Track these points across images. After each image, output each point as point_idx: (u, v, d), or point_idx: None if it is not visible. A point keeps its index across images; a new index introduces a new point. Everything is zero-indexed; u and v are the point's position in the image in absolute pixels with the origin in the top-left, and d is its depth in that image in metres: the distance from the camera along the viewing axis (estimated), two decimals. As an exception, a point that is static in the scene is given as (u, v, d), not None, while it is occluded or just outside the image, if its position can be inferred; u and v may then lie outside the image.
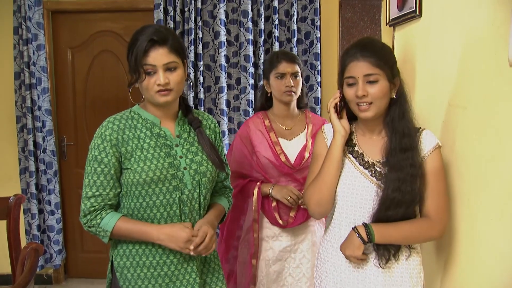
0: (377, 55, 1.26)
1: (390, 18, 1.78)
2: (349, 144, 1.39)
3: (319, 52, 2.86)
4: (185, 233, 1.32)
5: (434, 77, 1.47)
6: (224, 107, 2.87)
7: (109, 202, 1.33)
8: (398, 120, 1.29)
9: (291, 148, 2.02)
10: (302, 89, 2.09)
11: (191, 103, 2.82)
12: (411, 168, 1.26)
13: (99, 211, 1.32)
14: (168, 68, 1.35)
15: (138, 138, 1.37)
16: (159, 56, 1.33)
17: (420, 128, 1.33)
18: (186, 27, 2.82)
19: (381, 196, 1.27)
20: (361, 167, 1.34)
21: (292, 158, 2.00)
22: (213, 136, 1.55)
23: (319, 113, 2.89)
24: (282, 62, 1.99)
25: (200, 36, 2.81)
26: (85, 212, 1.32)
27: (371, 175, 1.32)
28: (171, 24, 2.83)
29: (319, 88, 2.89)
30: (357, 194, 1.33)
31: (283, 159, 1.98)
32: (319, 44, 2.85)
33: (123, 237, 1.36)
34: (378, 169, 1.32)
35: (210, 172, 1.44)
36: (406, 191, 1.25)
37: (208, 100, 2.94)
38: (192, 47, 2.80)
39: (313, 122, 2.10)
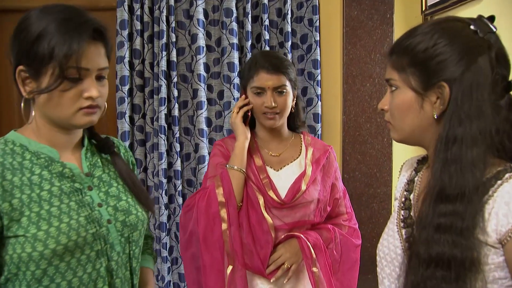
0: None
1: (428, 5, 1.29)
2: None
3: (319, 59, 2.40)
4: None
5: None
6: (204, 126, 2.38)
7: None
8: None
9: (279, 179, 1.52)
10: (297, 104, 1.58)
11: (163, 122, 2.32)
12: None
13: None
14: (100, 76, 0.99)
15: (30, 184, 0.90)
16: (95, 57, 0.96)
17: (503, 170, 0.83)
18: (156, 29, 2.34)
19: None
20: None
21: (282, 192, 1.49)
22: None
23: (319, 132, 2.40)
24: (261, 72, 1.48)
25: (174, 40, 2.34)
26: None
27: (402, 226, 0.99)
28: (138, 25, 2.33)
29: (319, 102, 2.41)
30: (387, 250, 1.01)
31: (269, 190, 1.47)
32: (318, 49, 2.39)
33: None
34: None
35: (142, 222, 1.08)
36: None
37: (184, 118, 2.44)
38: (164, 53, 2.31)
39: (314, 146, 1.60)
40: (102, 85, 0.98)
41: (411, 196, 1.02)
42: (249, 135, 1.54)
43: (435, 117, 0.88)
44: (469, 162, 0.81)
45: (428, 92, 0.88)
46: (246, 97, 1.55)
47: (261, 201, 1.47)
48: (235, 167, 1.47)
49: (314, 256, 1.48)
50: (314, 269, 1.48)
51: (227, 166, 1.49)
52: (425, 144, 0.95)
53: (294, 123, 1.65)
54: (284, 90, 1.50)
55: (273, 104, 1.47)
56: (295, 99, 1.59)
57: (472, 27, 0.86)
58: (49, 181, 0.94)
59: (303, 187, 1.50)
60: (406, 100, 0.91)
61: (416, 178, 1.04)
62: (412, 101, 0.91)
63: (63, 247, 0.88)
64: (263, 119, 1.53)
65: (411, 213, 0.99)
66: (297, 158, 1.59)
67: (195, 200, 1.51)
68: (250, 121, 1.58)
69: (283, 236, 1.50)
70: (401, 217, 1.00)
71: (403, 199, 1.04)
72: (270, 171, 1.55)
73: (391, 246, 1.00)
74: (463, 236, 0.80)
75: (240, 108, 1.55)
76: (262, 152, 1.57)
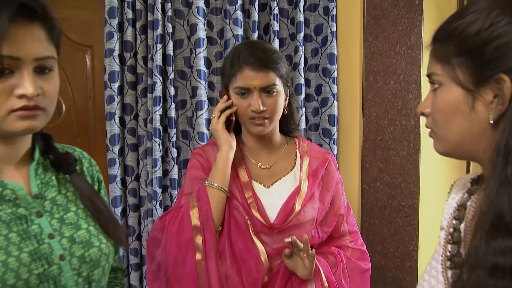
0: None
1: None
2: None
3: (335, 53, 2.16)
4: None
5: None
6: (204, 129, 2.14)
7: None
8: None
9: (270, 198, 1.29)
10: (290, 103, 1.36)
11: (157, 124, 2.07)
12: None
13: None
14: (41, 68, 0.78)
15: None
16: (29, 43, 0.75)
17: None
18: (150, 18, 2.10)
19: None
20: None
21: (273, 213, 1.26)
22: (95, 187, 1.00)
23: (335, 137, 2.15)
24: (245, 69, 1.24)
25: (170, 31, 2.10)
26: None
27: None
28: (129, 14, 2.10)
29: (335, 102, 2.16)
30: None
31: (255, 212, 1.24)
32: (335, 41, 2.15)
33: None
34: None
35: (106, 256, 0.89)
36: None
37: (182, 119, 2.21)
38: (159, 46, 2.07)
39: (311, 155, 1.37)
40: (46, 79, 0.78)
41: (461, 226, 0.81)
42: (234, 145, 1.32)
43: (491, 121, 0.71)
44: None
45: (481, 89, 0.72)
46: (229, 98, 1.34)
47: (250, 222, 1.26)
48: (215, 184, 1.26)
49: (324, 277, 1.28)
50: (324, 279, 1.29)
51: (206, 182, 1.28)
52: (478, 158, 0.77)
53: (287, 126, 1.43)
54: (274, 90, 1.27)
55: (261, 107, 1.25)
56: (287, 98, 1.38)
57: None
58: None
59: (297, 207, 1.27)
60: (451, 100, 0.75)
61: (469, 203, 0.83)
62: (459, 101, 0.74)
63: None
64: (250, 125, 1.30)
65: (461, 249, 0.79)
66: (291, 170, 1.36)
67: (165, 222, 1.29)
68: (235, 126, 1.37)
69: (278, 263, 1.28)
70: (448, 253, 0.80)
71: (451, 230, 0.83)
72: (259, 187, 1.32)
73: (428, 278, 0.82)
74: None
75: (222, 111, 1.33)
76: (248, 164, 1.36)
